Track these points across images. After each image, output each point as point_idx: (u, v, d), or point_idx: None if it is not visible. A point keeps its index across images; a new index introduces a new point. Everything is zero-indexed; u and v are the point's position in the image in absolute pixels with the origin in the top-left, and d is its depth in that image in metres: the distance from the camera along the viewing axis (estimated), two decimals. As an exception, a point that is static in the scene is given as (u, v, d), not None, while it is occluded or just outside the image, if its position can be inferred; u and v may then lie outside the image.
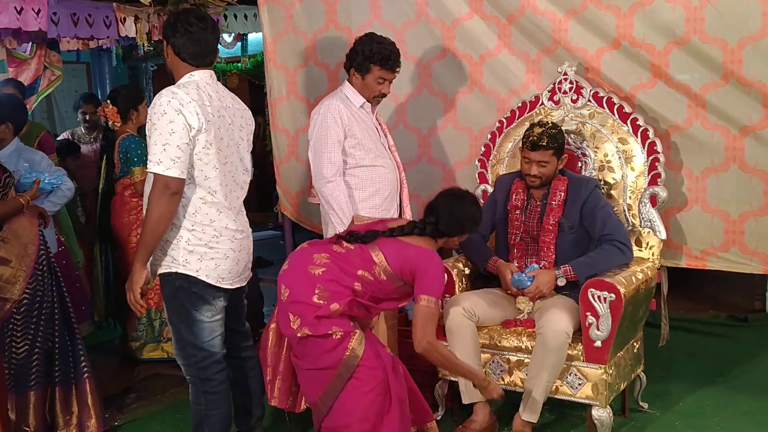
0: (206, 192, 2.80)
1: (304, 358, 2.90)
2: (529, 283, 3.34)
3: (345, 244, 2.98)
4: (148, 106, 4.55)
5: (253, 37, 6.73)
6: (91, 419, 3.44)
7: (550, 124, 3.46)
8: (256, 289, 4.88)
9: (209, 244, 2.82)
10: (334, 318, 2.82)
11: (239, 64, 9.06)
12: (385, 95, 3.65)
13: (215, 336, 2.93)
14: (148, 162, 2.72)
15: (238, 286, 3.01)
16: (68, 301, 3.49)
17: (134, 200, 4.30)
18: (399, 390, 2.92)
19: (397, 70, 3.60)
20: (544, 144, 3.35)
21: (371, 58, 3.50)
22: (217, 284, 2.87)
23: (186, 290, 2.84)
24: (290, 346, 3.01)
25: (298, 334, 2.84)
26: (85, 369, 3.48)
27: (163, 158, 2.66)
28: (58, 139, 5.64)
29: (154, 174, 2.69)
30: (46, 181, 3.73)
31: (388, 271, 2.91)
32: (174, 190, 2.69)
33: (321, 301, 2.83)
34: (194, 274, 2.82)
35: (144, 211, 2.78)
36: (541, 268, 3.40)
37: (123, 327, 4.54)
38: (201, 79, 2.84)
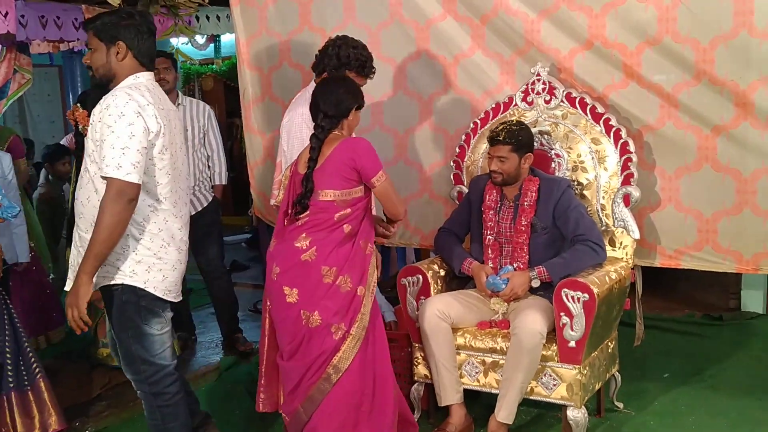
0: (156, 199, 2.70)
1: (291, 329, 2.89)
2: (503, 286, 3.33)
3: (300, 216, 2.93)
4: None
5: (227, 39, 6.70)
6: (51, 417, 3.39)
7: (515, 122, 3.48)
8: (232, 294, 4.85)
9: (158, 254, 2.72)
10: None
11: (213, 66, 9.02)
12: None
13: (165, 348, 2.83)
14: (104, 167, 2.55)
15: (179, 300, 2.89)
16: (13, 310, 3.44)
17: None
18: (382, 401, 2.92)
19: (371, 76, 3.53)
20: (501, 139, 3.37)
21: (348, 64, 3.40)
22: (164, 297, 2.77)
23: (134, 304, 2.72)
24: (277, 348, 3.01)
25: (288, 300, 2.87)
26: (38, 371, 3.41)
27: (122, 162, 2.52)
28: (49, 144, 5.58)
29: (109, 179, 2.53)
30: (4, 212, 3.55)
31: (343, 193, 2.89)
32: (131, 197, 2.55)
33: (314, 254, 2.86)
34: (142, 286, 2.71)
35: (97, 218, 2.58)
36: (515, 269, 3.39)
37: (94, 333, 4.48)
38: (146, 80, 2.75)
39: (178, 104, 4.57)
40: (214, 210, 4.71)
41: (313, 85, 3.51)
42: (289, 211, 2.97)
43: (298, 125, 3.42)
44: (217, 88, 9.36)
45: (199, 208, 4.59)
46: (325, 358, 2.84)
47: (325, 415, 2.85)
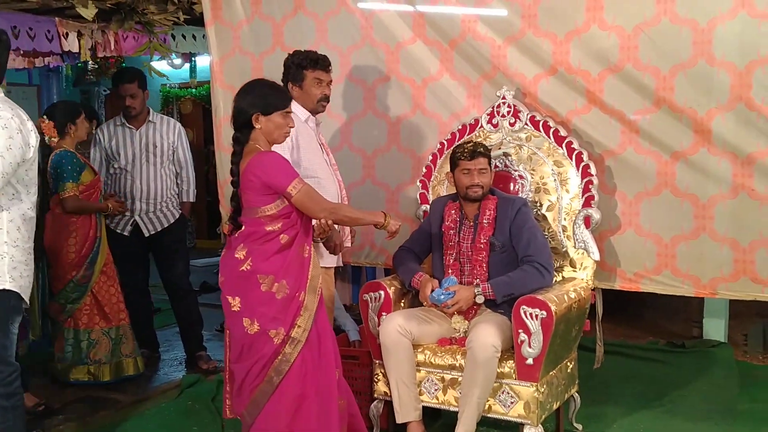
0: (28, 208, 2.84)
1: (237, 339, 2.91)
2: (443, 298, 3.36)
3: (235, 231, 2.95)
4: (97, 127, 4.60)
5: (203, 63, 6.72)
6: None
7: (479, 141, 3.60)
8: (196, 312, 4.83)
9: (26, 262, 2.86)
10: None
11: (193, 90, 9.07)
12: (327, 97, 3.64)
13: (14, 349, 2.95)
14: None
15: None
16: None
17: (65, 217, 4.21)
18: (328, 407, 2.92)
19: (330, 68, 3.62)
20: (481, 151, 3.48)
21: (301, 64, 3.56)
22: (25, 298, 2.89)
23: (9, 306, 2.83)
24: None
25: (233, 309, 2.88)
26: None
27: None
28: None
29: None
30: None
31: (266, 209, 2.85)
32: None
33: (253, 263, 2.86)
34: (17, 290, 2.84)
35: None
36: (459, 281, 3.44)
37: (53, 346, 4.43)
38: (2, 95, 2.81)
39: (149, 121, 4.61)
40: (181, 227, 4.74)
41: None
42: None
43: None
44: (196, 111, 9.42)
45: (165, 225, 4.63)
46: (264, 363, 2.85)
47: (268, 417, 2.86)
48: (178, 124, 4.76)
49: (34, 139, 2.79)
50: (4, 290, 2.80)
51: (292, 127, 3.03)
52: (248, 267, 2.85)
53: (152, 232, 4.62)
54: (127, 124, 4.59)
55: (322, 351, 2.94)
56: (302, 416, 2.87)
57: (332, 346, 3.01)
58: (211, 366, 4.63)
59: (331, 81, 3.65)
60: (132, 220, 4.59)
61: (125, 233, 4.60)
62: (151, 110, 4.67)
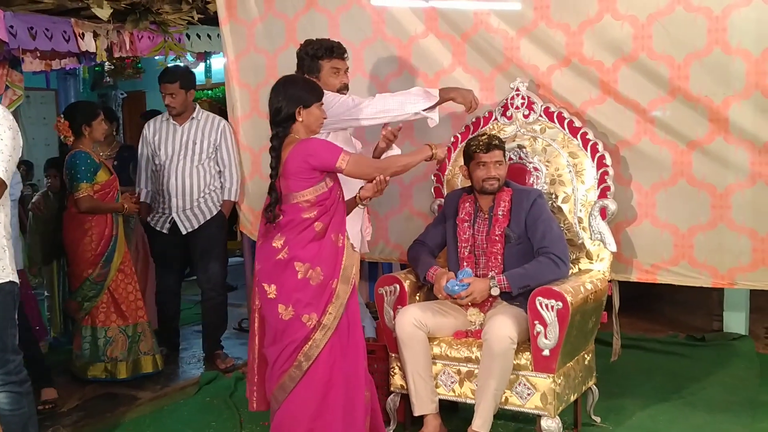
0: (12, 203, 2.99)
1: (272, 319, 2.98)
2: (457, 289, 3.35)
3: (272, 222, 3.00)
4: (117, 129, 4.65)
5: (217, 66, 6.75)
6: None
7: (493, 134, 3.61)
8: (222, 316, 4.77)
9: (15, 254, 2.95)
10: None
11: (209, 92, 9.12)
12: (347, 86, 3.64)
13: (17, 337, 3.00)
14: None
15: None
16: None
17: (80, 216, 4.25)
18: (354, 397, 2.98)
19: (346, 56, 3.63)
20: (497, 143, 3.47)
21: (316, 55, 3.56)
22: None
23: (12, 296, 2.91)
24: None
25: (269, 296, 2.96)
26: None
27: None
28: None
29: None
30: None
31: (304, 193, 2.93)
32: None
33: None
34: (17, 280, 2.94)
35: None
36: (474, 274, 3.43)
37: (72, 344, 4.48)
38: None
39: (192, 118, 4.59)
40: (217, 225, 4.63)
41: None
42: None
43: None
44: (212, 112, 9.44)
45: (202, 221, 4.57)
46: (296, 346, 2.92)
47: (296, 402, 2.92)
48: (223, 122, 4.67)
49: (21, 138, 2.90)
50: (10, 282, 2.87)
51: (326, 118, 3.15)
52: (285, 255, 2.95)
53: (189, 230, 4.56)
54: (172, 120, 4.59)
55: (351, 341, 3.01)
56: (329, 403, 2.93)
57: (361, 338, 3.08)
58: (229, 364, 4.62)
59: (348, 69, 3.65)
60: (170, 217, 4.56)
61: (164, 231, 4.60)
62: (197, 107, 4.64)
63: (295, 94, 3.01)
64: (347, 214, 3.13)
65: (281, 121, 3.01)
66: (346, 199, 3.13)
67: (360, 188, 3.18)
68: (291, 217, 2.95)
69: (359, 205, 3.25)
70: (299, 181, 2.94)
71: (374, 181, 3.10)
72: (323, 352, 2.92)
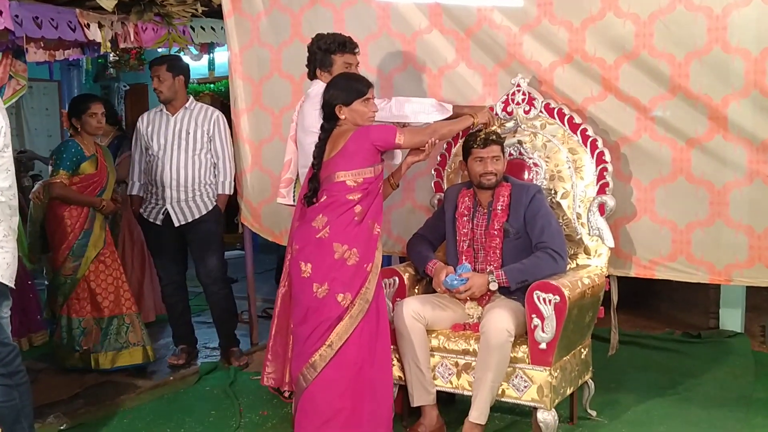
0: (1, 193, 2.88)
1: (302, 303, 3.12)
2: (456, 284, 3.39)
3: (312, 205, 3.18)
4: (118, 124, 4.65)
5: (220, 60, 6.77)
6: None
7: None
8: (228, 309, 4.70)
9: (4, 247, 2.88)
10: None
11: (212, 86, 9.14)
12: None
13: (9, 329, 3.02)
14: None
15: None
16: None
17: (56, 206, 4.30)
18: (384, 379, 3.16)
19: (357, 50, 3.72)
20: (494, 138, 3.51)
21: (329, 49, 3.63)
22: (9, 284, 2.94)
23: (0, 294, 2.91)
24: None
25: (303, 275, 3.10)
26: None
27: None
28: None
29: None
30: None
31: (354, 173, 3.13)
32: None
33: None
34: (7, 282, 2.90)
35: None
36: (473, 268, 3.46)
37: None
38: None
39: (185, 108, 4.53)
40: (214, 219, 4.55)
41: (320, 83, 3.60)
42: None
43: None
44: (214, 106, 9.45)
45: (197, 215, 4.49)
46: (329, 325, 3.04)
47: (326, 382, 3.01)
48: (217, 113, 4.61)
49: (3, 121, 2.89)
50: None
51: (376, 112, 3.32)
52: (326, 234, 3.09)
53: (182, 223, 4.47)
54: (165, 111, 4.54)
55: (380, 328, 3.14)
56: (359, 385, 3.04)
57: (387, 323, 3.22)
58: (242, 362, 4.57)
59: (358, 63, 3.71)
60: (163, 209, 4.48)
61: (157, 222, 4.51)
62: (191, 98, 4.61)
63: (335, 94, 3.24)
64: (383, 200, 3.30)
65: (327, 117, 3.25)
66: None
67: (407, 154, 3.37)
68: (334, 198, 3.11)
69: (393, 187, 3.47)
70: (358, 160, 3.12)
71: (427, 145, 3.30)
72: (354, 333, 3.03)
